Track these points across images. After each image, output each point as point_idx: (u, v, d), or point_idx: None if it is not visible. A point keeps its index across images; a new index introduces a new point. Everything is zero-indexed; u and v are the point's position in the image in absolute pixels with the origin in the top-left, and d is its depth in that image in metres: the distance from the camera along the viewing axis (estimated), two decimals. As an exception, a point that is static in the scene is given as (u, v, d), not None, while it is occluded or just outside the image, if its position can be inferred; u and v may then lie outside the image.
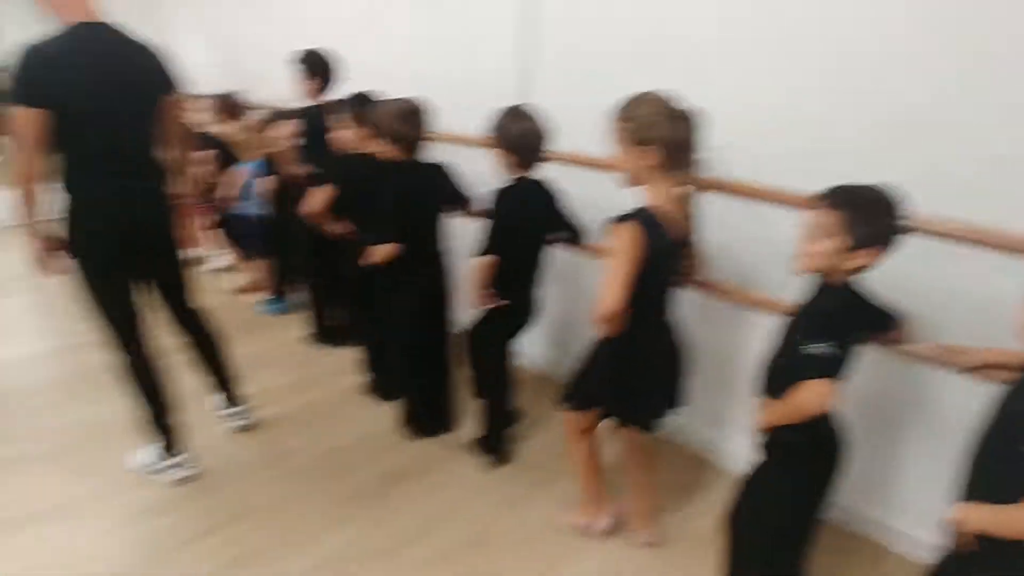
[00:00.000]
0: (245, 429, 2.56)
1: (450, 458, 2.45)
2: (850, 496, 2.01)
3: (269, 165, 3.43)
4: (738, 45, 2.02)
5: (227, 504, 2.18)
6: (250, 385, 2.70)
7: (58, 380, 2.98)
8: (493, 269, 2.13)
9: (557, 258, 2.45)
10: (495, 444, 2.42)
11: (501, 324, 2.29)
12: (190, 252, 2.26)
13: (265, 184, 3.48)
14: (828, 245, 1.32)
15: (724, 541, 1.67)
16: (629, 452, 2.01)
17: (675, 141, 1.57)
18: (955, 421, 1.73)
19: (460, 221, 2.50)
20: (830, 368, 1.31)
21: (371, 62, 3.16)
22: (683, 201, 1.69)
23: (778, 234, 1.98)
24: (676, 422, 2.48)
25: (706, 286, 2.02)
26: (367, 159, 2.42)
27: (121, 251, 2.02)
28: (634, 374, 1.78)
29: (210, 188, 3.74)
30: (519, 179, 2.10)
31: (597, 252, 2.27)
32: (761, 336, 1.74)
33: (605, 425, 1.94)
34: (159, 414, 2.20)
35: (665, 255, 1.66)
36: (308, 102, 3.00)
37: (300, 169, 3.04)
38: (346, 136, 2.60)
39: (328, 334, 3.31)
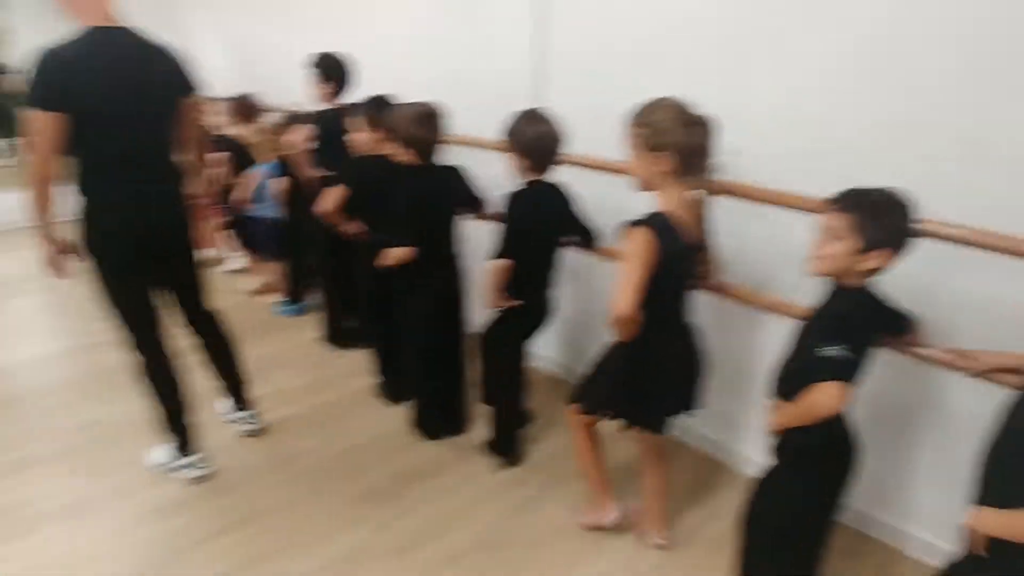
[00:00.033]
0: (252, 435, 2.57)
1: (462, 459, 2.46)
2: (863, 499, 2.00)
3: (283, 167, 3.46)
4: (744, 44, 2.02)
5: (240, 504, 2.20)
6: (264, 386, 2.73)
7: (71, 380, 3.01)
8: (508, 273, 2.14)
9: (571, 259, 2.46)
10: (507, 446, 2.43)
11: (515, 325, 2.30)
12: (205, 253, 2.28)
13: (279, 186, 3.51)
14: (839, 248, 1.33)
15: (737, 543, 1.67)
16: (643, 454, 2.02)
17: (689, 147, 1.58)
18: (968, 425, 1.72)
19: (474, 224, 2.52)
20: (844, 371, 1.32)
21: (386, 66, 3.18)
22: (696, 206, 1.70)
23: (792, 237, 1.98)
24: (690, 424, 2.48)
25: (720, 289, 2.03)
26: (382, 161, 2.43)
27: (136, 254, 2.03)
28: (647, 377, 1.79)
29: (225, 190, 3.77)
30: (533, 182, 2.11)
31: (610, 255, 2.28)
32: (775, 339, 1.74)
33: (614, 425, 1.95)
34: (175, 414, 2.22)
35: (679, 259, 1.67)
36: (323, 106, 3.01)
37: (314, 172, 3.06)
38: (362, 139, 2.62)
39: (342, 336, 3.33)
